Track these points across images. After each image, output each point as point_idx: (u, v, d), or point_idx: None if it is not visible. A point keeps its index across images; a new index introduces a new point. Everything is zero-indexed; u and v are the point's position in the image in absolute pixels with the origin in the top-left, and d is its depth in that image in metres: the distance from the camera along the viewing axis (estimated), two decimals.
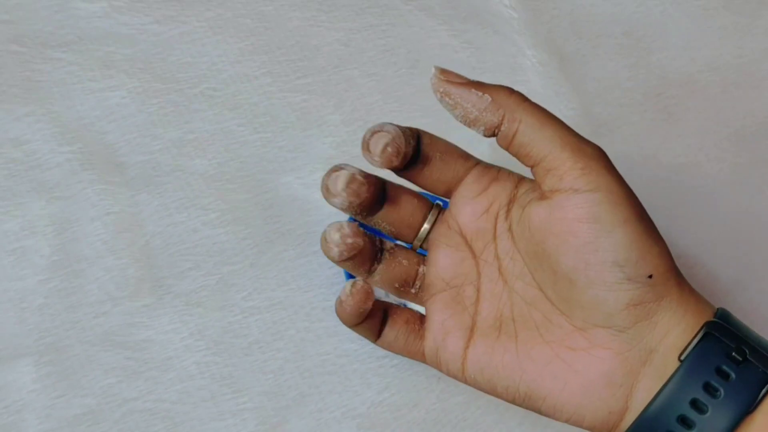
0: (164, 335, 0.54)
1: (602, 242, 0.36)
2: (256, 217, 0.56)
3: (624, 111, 0.59)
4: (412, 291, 0.42)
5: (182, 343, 0.54)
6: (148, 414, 0.52)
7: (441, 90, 0.37)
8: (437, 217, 0.42)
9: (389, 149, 0.37)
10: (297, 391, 0.53)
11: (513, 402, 0.39)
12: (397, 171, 0.39)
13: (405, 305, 0.47)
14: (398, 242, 0.45)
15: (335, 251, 0.39)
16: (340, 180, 0.38)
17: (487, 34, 0.60)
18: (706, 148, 0.58)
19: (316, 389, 0.53)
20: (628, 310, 0.36)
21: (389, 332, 0.42)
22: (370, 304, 0.40)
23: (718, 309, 0.38)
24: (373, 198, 0.39)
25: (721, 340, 0.36)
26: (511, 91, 0.37)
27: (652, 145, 0.58)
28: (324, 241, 0.39)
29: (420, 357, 0.42)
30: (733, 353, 0.36)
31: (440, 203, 0.43)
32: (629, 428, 0.36)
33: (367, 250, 0.40)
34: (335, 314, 0.41)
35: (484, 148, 0.55)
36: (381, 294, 0.53)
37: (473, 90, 0.37)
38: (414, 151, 0.38)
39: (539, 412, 0.39)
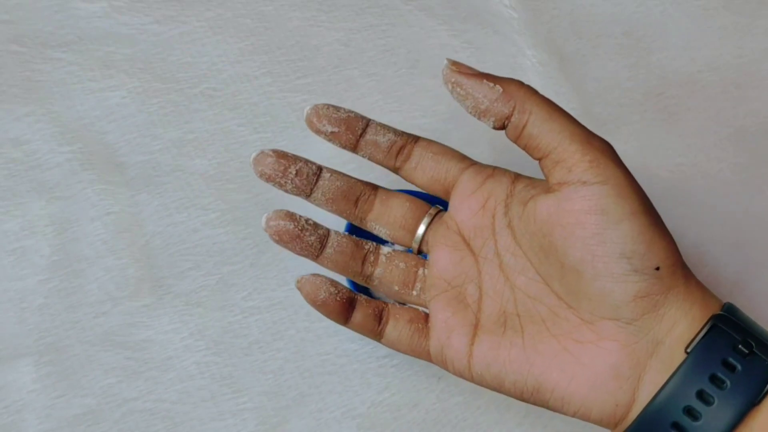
0: (164, 335, 0.54)
1: (610, 234, 0.36)
2: (256, 217, 0.56)
3: (624, 111, 0.59)
4: (414, 293, 0.43)
5: (182, 343, 0.53)
6: (148, 414, 0.52)
7: (453, 80, 0.38)
8: (433, 218, 0.42)
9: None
10: (297, 391, 0.53)
11: (521, 397, 0.39)
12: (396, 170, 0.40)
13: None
14: (396, 246, 0.45)
15: (269, 233, 0.42)
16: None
17: (487, 34, 0.60)
18: (706, 148, 0.59)
19: (316, 389, 0.53)
20: (635, 302, 0.36)
21: (392, 331, 0.42)
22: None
23: (725, 303, 0.38)
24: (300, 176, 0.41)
25: (727, 332, 0.36)
26: (521, 83, 0.38)
27: (652, 145, 0.58)
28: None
29: (425, 356, 0.42)
30: (740, 346, 0.36)
31: (439, 206, 0.43)
32: (635, 419, 0.36)
33: (299, 235, 0.42)
34: None
35: (483, 148, 0.55)
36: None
37: (484, 81, 0.37)
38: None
39: (546, 406, 0.39)
